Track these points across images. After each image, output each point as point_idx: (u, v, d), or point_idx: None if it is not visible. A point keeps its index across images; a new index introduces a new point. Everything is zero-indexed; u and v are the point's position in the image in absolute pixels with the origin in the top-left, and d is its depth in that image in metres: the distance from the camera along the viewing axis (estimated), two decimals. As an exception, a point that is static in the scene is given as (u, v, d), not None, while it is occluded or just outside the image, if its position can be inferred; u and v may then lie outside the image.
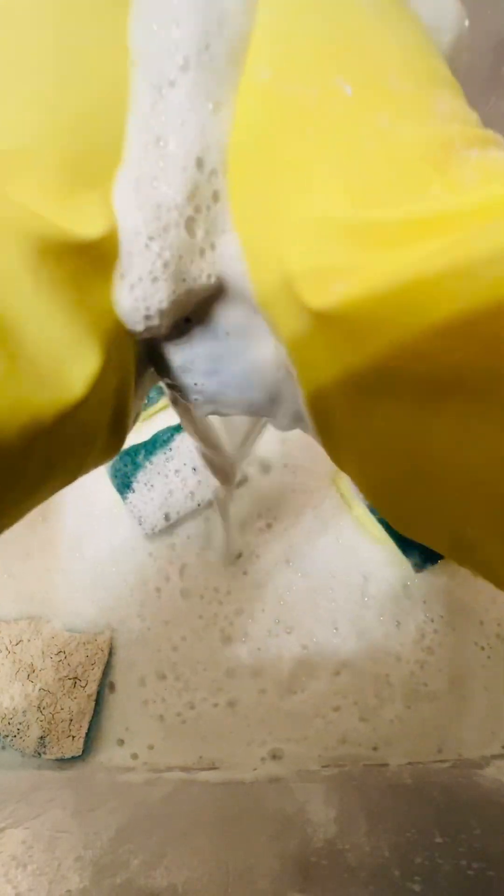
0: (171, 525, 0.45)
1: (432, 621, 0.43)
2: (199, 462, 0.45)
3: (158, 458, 0.45)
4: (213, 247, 0.14)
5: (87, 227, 0.12)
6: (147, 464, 0.45)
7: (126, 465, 0.45)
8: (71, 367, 0.12)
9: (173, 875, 0.26)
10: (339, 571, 0.44)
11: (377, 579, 0.44)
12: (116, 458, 0.45)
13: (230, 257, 0.14)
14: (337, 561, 0.45)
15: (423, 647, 0.42)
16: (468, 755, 0.40)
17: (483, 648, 0.43)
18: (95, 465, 0.16)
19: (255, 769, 0.39)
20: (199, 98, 0.13)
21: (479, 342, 0.11)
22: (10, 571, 0.45)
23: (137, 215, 0.13)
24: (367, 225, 0.11)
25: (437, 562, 0.43)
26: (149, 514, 0.44)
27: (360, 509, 0.45)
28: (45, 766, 0.40)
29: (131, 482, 0.44)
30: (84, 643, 0.42)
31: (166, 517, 0.44)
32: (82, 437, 0.14)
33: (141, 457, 0.45)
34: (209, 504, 0.45)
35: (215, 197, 0.14)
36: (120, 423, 0.15)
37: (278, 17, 0.12)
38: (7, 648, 0.41)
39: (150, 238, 0.13)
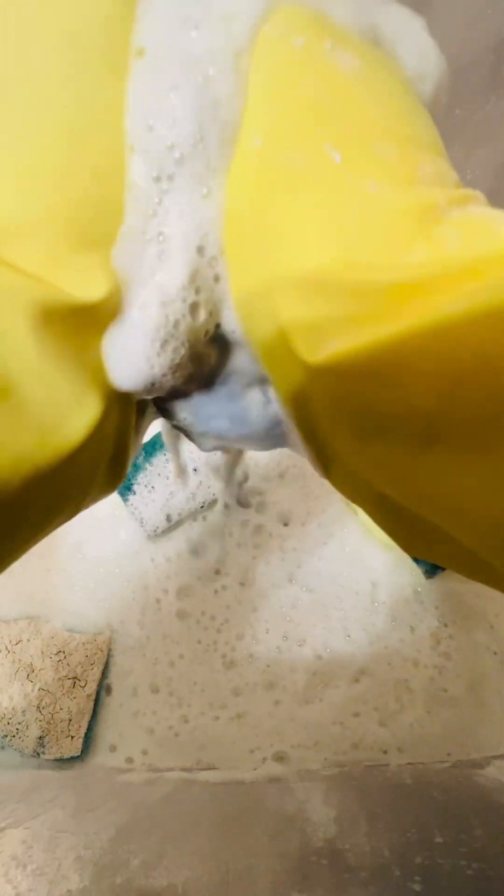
0: (172, 526, 0.45)
1: (446, 626, 0.43)
2: (199, 462, 0.45)
3: (158, 459, 0.45)
4: (217, 325, 0.15)
5: (90, 291, 0.13)
6: (147, 465, 0.45)
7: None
8: (72, 417, 0.13)
9: (173, 875, 0.26)
10: (347, 580, 0.44)
11: (386, 585, 0.44)
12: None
13: (230, 323, 0.15)
14: (343, 569, 0.44)
15: (439, 653, 0.42)
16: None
17: (496, 653, 0.43)
18: (95, 501, 0.16)
19: (255, 769, 0.39)
20: (194, 187, 0.14)
21: (464, 397, 0.11)
22: (9, 571, 0.44)
23: (149, 324, 0.14)
24: (355, 286, 0.12)
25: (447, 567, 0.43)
26: (150, 515, 0.44)
27: (366, 516, 0.45)
28: (44, 765, 0.40)
29: (132, 484, 0.44)
30: (84, 643, 0.42)
31: (168, 518, 0.44)
32: (82, 479, 0.14)
33: (140, 459, 0.45)
34: (211, 504, 0.45)
35: (216, 278, 0.14)
36: (119, 462, 0.16)
37: (269, 88, 0.13)
38: (7, 648, 0.41)
39: (165, 341, 0.14)
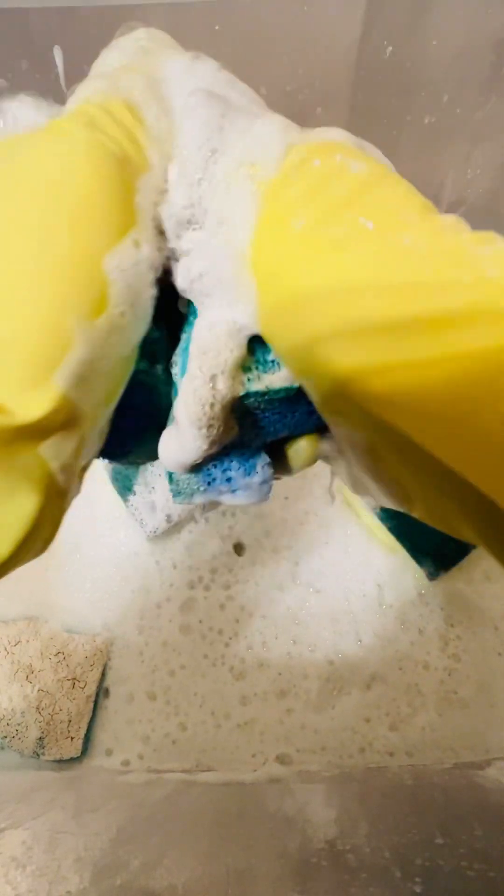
0: (172, 527, 0.45)
1: (453, 626, 0.43)
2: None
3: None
4: (240, 393, 0.17)
5: (31, 410, 0.14)
6: (148, 466, 0.44)
7: (127, 469, 0.44)
8: (3, 521, 0.14)
9: (173, 876, 0.26)
10: (353, 581, 0.44)
11: (392, 587, 0.44)
12: (117, 462, 0.45)
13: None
14: (348, 571, 0.44)
15: (448, 654, 0.42)
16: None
17: (500, 654, 0.43)
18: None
19: (255, 770, 0.39)
20: (215, 315, 0.16)
21: None
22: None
23: (192, 417, 0.16)
24: (410, 320, 0.13)
25: (449, 569, 0.43)
26: (150, 516, 0.44)
27: (369, 518, 0.44)
28: (44, 766, 0.40)
29: (132, 485, 0.44)
30: (83, 644, 0.42)
31: (168, 519, 0.44)
32: (17, 561, 0.16)
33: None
34: (211, 505, 0.45)
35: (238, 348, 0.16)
36: (53, 534, 0.17)
37: (302, 194, 0.15)
38: (6, 649, 0.41)
39: (210, 426, 0.16)
